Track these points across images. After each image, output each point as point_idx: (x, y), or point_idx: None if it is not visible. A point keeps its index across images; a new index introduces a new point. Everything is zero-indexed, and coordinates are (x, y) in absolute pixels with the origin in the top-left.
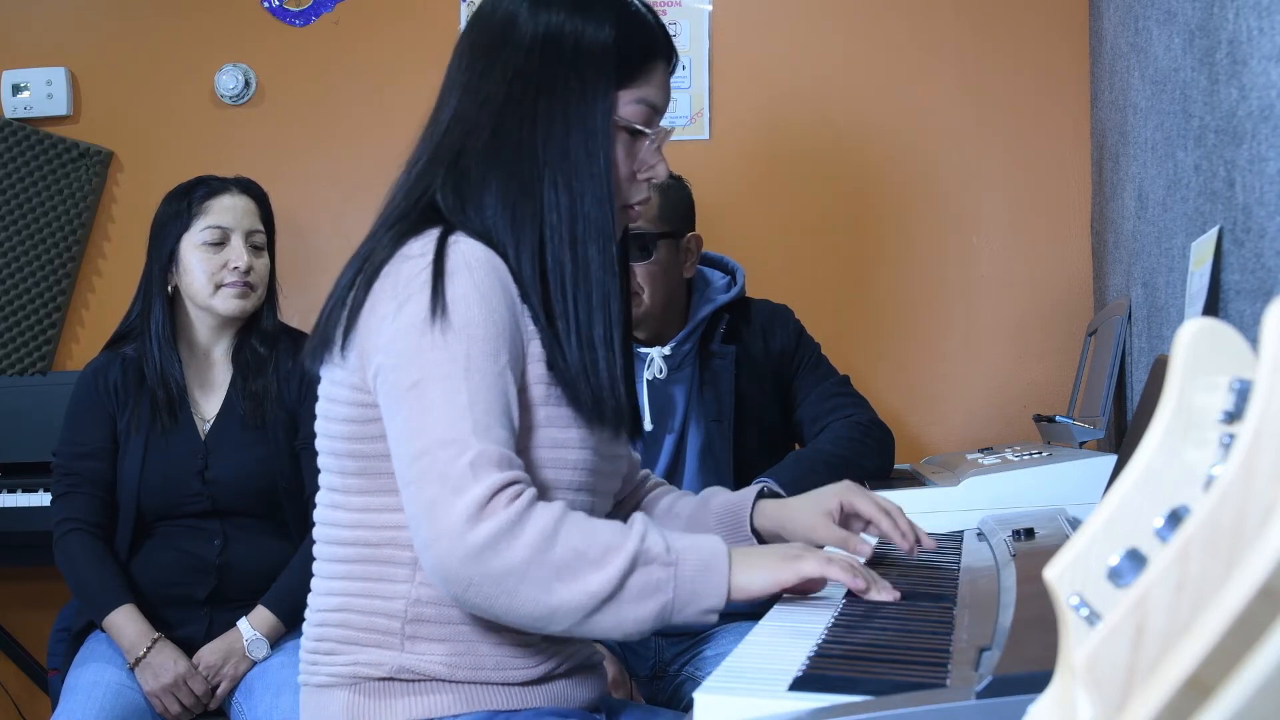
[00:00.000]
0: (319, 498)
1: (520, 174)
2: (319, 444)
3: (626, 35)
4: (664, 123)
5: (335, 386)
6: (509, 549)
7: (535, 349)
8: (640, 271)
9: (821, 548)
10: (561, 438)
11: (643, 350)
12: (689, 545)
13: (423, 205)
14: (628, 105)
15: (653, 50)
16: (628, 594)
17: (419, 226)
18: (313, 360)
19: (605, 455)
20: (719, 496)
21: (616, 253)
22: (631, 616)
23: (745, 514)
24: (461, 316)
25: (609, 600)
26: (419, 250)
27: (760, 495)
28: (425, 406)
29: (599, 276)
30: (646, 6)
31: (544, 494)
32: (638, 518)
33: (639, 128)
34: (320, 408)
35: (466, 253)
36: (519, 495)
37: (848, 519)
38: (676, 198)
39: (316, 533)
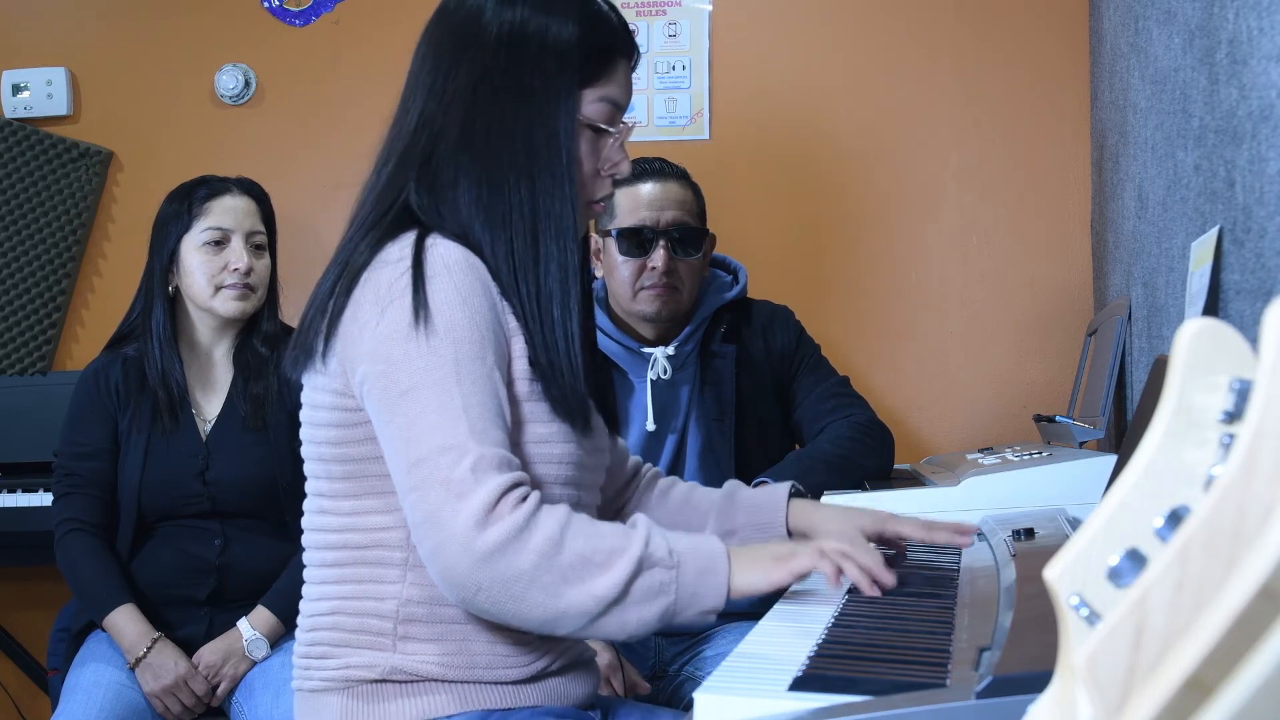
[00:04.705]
0: (306, 504)
1: (489, 173)
2: (304, 450)
3: (589, 33)
4: (663, 122)
5: (318, 393)
6: (517, 554)
7: (518, 346)
8: (684, 267)
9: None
10: (544, 433)
11: (646, 350)
12: (690, 548)
13: (397, 208)
14: (591, 103)
15: (615, 48)
16: (632, 597)
17: (394, 230)
18: (294, 368)
19: (588, 449)
20: (743, 492)
21: (579, 250)
22: (635, 618)
23: (780, 516)
24: (445, 320)
25: (615, 604)
26: (397, 255)
27: (791, 494)
28: (419, 413)
29: (558, 274)
30: (609, 4)
31: None
32: (640, 519)
33: (603, 126)
34: (304, 414)
35: (445, 255)
36: (524, 498)
37: (886, 543)
38: (702, 196)
39: (305, 539)
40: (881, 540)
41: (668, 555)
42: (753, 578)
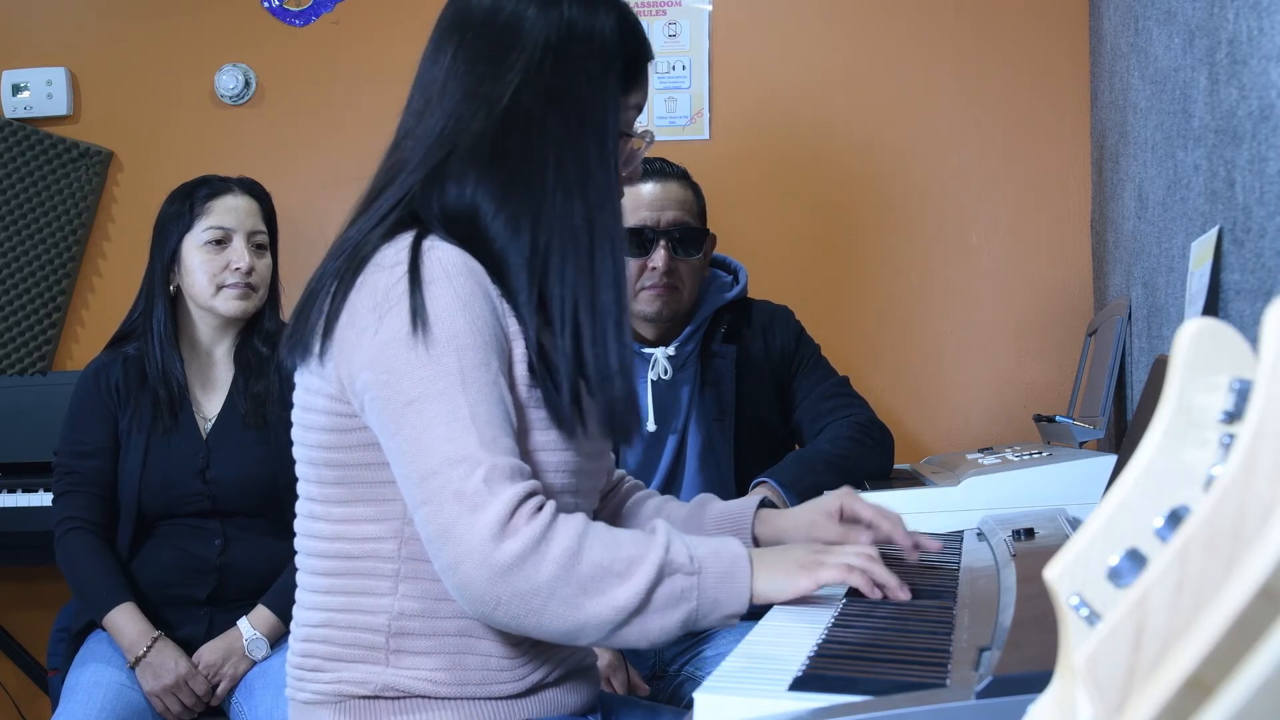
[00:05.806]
0: (298, 507)
1: (521, 180)
2: (296, 452)
3: (627, 36)
4: (663, 122)
5: (312, 395)
6: (535, 567)
7: (519, 350)
8: (684, 267)
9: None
10: (542, 440)
11: (646, 351)
12: (710, 552)
13: (403, 206)
14: (626, 110)
15: (645, 51)
16: (654, 605)
17: (396, 229)
18: (290, 355)
19: (588, 453)
20: (714, 504)
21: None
22: (657, 626)
23: (746, 524)
24: (446, 328)
25: (636, 613)
26: (393, 259)
27: (759, 505)
28: (426, 424)
29: (613, 289)
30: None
31: None
32: (659, 524)
33: (629, 132)
34: (296, 415)
35: (443, 260)
36: (540, 508)
37: (848, 523)
38: (702, 196)
39: (297, 543)
40: (844, 519)
41: (688, 561)
42: (777, 584)
